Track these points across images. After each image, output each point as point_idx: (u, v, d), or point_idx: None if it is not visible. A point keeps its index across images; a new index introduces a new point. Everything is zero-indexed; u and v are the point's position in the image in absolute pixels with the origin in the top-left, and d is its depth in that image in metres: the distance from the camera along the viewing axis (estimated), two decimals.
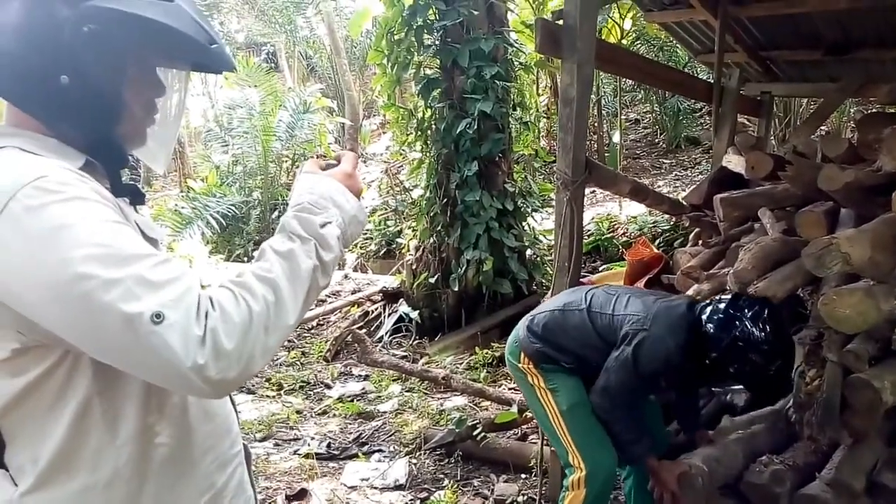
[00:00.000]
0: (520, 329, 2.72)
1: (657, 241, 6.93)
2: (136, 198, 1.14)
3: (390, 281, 6.96)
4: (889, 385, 2.43)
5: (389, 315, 6.34)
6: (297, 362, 5.64)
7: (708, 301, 2.62)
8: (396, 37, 5.95)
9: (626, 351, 2.42)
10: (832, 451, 2.67)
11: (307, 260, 1.06)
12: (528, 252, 6.34)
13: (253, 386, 5.21)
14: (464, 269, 5.79)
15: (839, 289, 2.56)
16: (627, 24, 10.18)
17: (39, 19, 0.98)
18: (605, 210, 9.21)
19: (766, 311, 2.42)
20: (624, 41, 10.60)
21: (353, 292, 7.35)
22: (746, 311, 2.41)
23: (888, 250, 2.49)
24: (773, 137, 8.31)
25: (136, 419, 1.03)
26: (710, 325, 2.43)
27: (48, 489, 1.00)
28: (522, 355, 2.64)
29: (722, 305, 2.48)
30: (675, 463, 2.44)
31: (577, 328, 2.58)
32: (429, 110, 6.09)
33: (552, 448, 3.09)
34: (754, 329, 2.38)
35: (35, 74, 1.00)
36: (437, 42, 5.92)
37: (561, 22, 2.98)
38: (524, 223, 6.37)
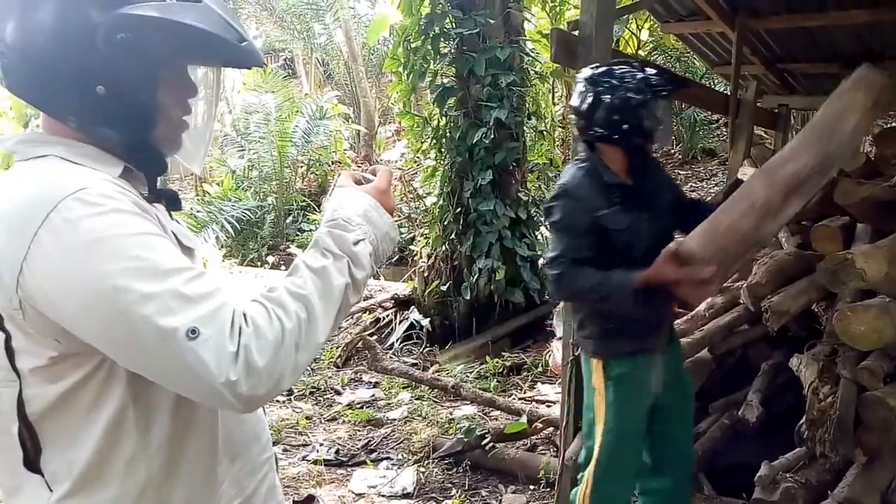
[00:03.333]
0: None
1: None
2: (173, 204, 1.14)
3: (402, 288, 6.96)
4: None
5: (400, 322, 6.34)
6: (308, 368, 5.65)
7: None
8: (413, 45, 5.98)
9: (547, 224, 2.37)
10: (846, 469, 2.64)
11: (340, 278, 1.05)
12: (541, 261, 6.32)
13: None
14: (476, 277, 5.78)
15: (854, 305, 2.54)
16: (644, 35, 10.17)
17: (72, 28, 0.99)
18: None
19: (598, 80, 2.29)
20: (641, 52, 10.59)
21: (365, 298, 7.35)
22: (606, 79, 2.27)
23: None
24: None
25: (167, 427, 1.04)
26: (596, 133, 2.30)
27: (83, 496, 1.00)
28: (589, 357, 2.47)
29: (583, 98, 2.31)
30: (660, 258, 2.09)
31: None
32: (444, 118, 6.10)
33: (560, 459, 3.08)
34: (618, 91, 2.23)
35: (70, 84, 1.00)
36: (453, 50, 5.94)
37: (577, 32, 2.98)
38: (537, 232, 6.36)
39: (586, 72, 2.38)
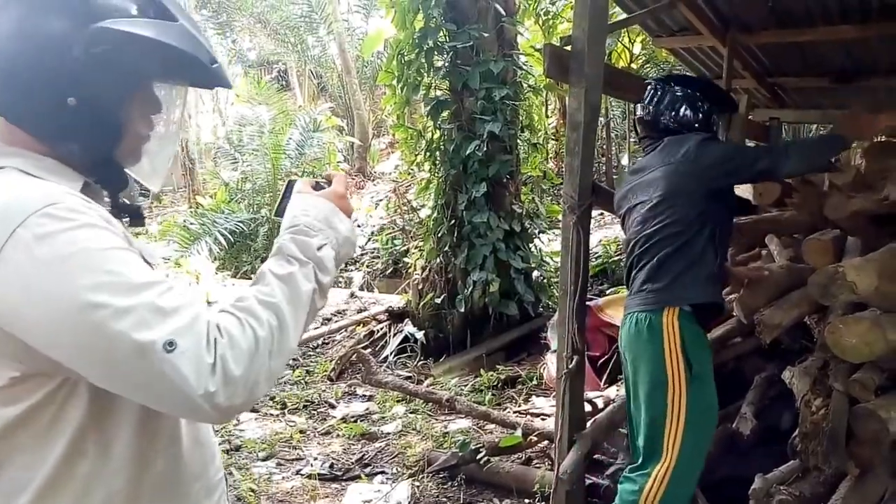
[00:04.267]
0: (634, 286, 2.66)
1: None
2: (136, 219, 1.15)
3: (396, 301, 6.96)
4: None
5: (395, 335, 6.34)
6: (302, 381, 5.63)
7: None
8: (407, 58, 6.01)
9: (709, 160, 2.54)
10: (839, 482, 2.64)
11: (307, 283, 1.06)
12: (535, 274, 6.34)
13: (257, 405, 5.19)
14: (470, 289, 5.79)
15: (846, 317, 2.55)
16: (637, 49, 10.25)
17: (49, 37, 0.98)
18: (613, 233, 9.21)
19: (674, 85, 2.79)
20: (633, 65, 10.67)
21: (359, 311, 7.36)
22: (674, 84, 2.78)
23: (895, 280, 2.48)
24: None
25: (129, 446, 1.02)
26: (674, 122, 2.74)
27: None
28: (663, 310, 2.49)
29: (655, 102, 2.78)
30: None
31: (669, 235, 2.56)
32: (438, 131, 6.13)
33: (555, 472, 3.07)
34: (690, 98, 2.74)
35: (41, 93, 1.00)
36: (447, 64, 5.97)
37: (569, 47, 3.00)
38: (531, 245, 6.38)
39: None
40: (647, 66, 11.75)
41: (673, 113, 2.73)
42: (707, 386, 2.50)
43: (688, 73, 3.11)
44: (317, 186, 1.24)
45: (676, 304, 2.49)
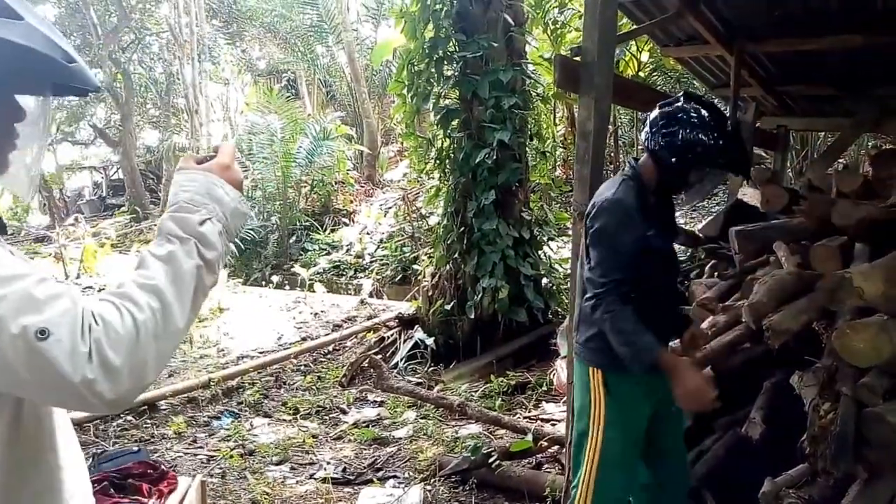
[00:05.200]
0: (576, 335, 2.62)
1: None
2: (0, 229, 1.09)
3: (406, 307, 7.01)
4: None
5: (405, 341, 6.38)
6: (313, 387, 5.69)
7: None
8: (417, 68, 6.09)
9: (589, 236, 2.37)
10: (848, 486, 2.67)
11: (189, 260, 1.03)
12: (545, 281, 6.38)
13: (269, 410, 5.26)
14: (480, 296, 5.83)
15: (853, 322, 2.59)
16: (644, 57, 10.30)
17: None
18: None
19: (701, 111, 2.33)
20: (641, 73, 10.73)
21: (369, 318, 7.41)
22: (681, 114, 2.33)
23: None
24: (790, 170, 8.34)
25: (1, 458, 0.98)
26: (653, 147, 2.36)
27: None
28: (590, 367, 2.48)
29: (653, 123, 2.38)
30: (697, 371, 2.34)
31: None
32: (448, 139, 6.20)
33: (566, 476, 3.11)
34: (698, 133, 2.29)
35: None
36: (456, 73, 6.05)
37: (579, 58, 3.06)
38: (540, 252, 6.43)
39: (692, 101, 2.38)
40: (655, 74, 11.81)
41: (663, 132, 2.33)
42: (624, 404, 2.46)
43: (720, 107, 2.59)
44: (203, 161, 1.18)
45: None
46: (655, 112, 2.40)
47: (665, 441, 2.64)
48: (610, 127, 11.53)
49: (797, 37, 4.10)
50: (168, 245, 1.04)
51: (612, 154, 12.21)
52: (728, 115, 2.41)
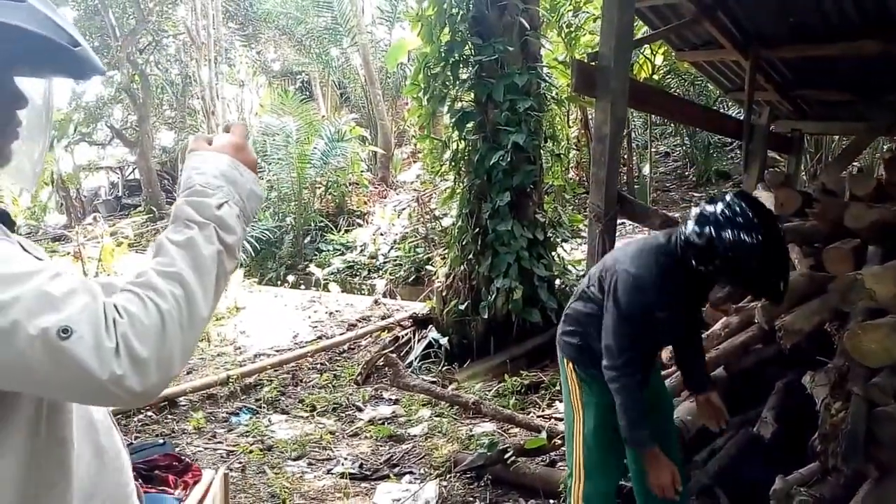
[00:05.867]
0: (560, 325, 2.76)
1: None
2: (8, 224, 1.02)
3: (420, 307, 7.09)
4: None
5: (419, 341, 6.45)
6: (330, 385, 5.77)
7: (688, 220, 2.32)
8: (433, 71, 6.17)
9: (609, 298, 2.36)
10: (859, 485, 2.71)
11: (209, 246, 0.99)
12: (558, 282, 6.44)
13: (287, 406, 5.35)
14: (494, 296, 5.89)
15: (865, 323, 2.63)
16: (658, 60, 10.34)
17: None
18: None
19: (752, 213, 2.15)
20: (655, 76, 10.77)
21: (383, 317, 7.49)
22: (733, 214, 2.15)
23: None
24: (804, 173, 8.35)
25: (19, 458, 0.95)
26: (694, 237, 2.20)
27: None
28: (564, 356, 2.68)
29: (698, 211, 2.24)
30: (671, 464, 2.41)
31: (590, 314, 2.53)
32: (463, 142, 6.27)
33: None
34: (744, 236, 2.11)
35: None
36: (472, 76, 6.12)
37: (595, 63, 3.13)
38: (554, 253, 6.48)
39: (753, 204, 2.21)
40: (669, 76, 11.85)
41: (708, 236, 2.15)
42: (599, 395, 2.53)
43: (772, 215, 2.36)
44: (213, 142, 1.13)
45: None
46: (710, 209, 2.21)
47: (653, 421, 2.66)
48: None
49: (812, 43, 4.15)
50: (186, 231, 0.99)
51: (626, 156, 12.25)
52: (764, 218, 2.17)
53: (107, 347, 0.85)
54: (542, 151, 6.43)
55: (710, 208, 2.22)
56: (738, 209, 2.15)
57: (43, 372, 0.84)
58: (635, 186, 11.76)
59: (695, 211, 2.27)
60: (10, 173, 1.07)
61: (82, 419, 1.05)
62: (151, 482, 2.88)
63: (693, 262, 2.23)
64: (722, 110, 10.17)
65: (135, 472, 2.94)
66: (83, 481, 1.03)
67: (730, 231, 2.13)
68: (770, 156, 7.20)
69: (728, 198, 2.23)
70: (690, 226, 2.23)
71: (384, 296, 9.19)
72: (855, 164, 7.55)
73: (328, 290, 9.14)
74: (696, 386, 2.77)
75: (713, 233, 2.15)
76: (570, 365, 2.66)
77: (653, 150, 13.30)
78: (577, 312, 2.67)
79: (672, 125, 13.69)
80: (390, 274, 10.75)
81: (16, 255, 0.90)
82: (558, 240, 6.62)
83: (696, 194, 12.00)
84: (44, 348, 0.83)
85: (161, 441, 3.49)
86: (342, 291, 9.52)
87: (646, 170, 11.64)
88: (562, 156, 6.97)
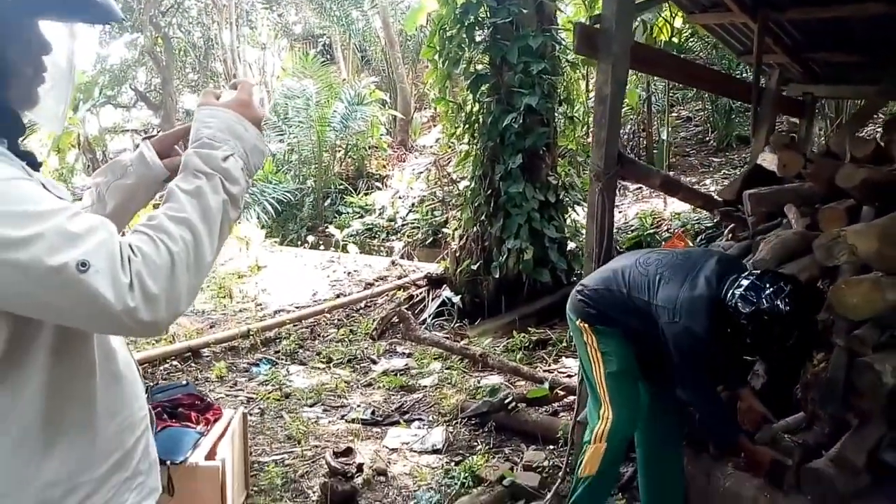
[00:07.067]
0: (573, 297, 2.94)
1: (699, 238, 7.06)
2: (33, 165, 1.09)
3: (435, 268, 7.27)
4: (890, 369, 2.60)
5: (433, 299, 6.65)
6: (346, 339, 6.00)
7: (735, 275, 2.64)
8: (449, 33, 6.24)
9: (671, 350, 2.64)
10: (842, 434, 2.85)
11: (216, 196, 1.07)
12: (571, 244, 6.56)
13: (305, 358, 5.60)
14: (505, 257, 6.04)
15: (849, 279, 2.75)
16: (678, 23, 10.23)
17: None
18: (650, 206, 9.34)
19: (789, 287, 2.48)
20: (675, 39, 10.65)
21: (399, 277, 7.69)
22: (769, 285, 2.48)
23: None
24: (823, 138, 8.30)
25: (42, 382, 1.03)
26: (735, 300, 2.52)
27: None
28: (578, 318, 2.87)
29: (746, 282, 2.55)
30: (767, 450, 2.71)
31: (621, 307, 2.78)
32: (477, 104, 6.36)
33: (580, 421, 3.36)
34: (777, 301, 2.44)
35: None
36: (487, 39, 6.19)
37: (598, 26, 3.22)
38: (566, 215, 6.59)
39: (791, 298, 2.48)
40: (692, 39, 11.69)
41: (739, 293, 2.50)
42: (616, 349, 2.79)
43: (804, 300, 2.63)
44: (221, 97, 1.21)
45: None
46: (756, 294, 2.49)
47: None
48: (643, 93, 11.52)
49: (819, 4, 4.16)
50: (195, 180, 1.07)
51: (645, 121, 12.19)
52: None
53: (122, 282, 0.93)
54: (555, 114, 6.50)
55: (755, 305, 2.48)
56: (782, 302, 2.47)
57: (61, 302, 0.92)
58: (654, 152, 11.72)
59: (745, 299, 2.51)
60: (37, 115, 1.14)
61: (101, 348, 1.13)
62: (175, 418, 3.12)
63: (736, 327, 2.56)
64: (743, 74, 10.07)
65: (159, 409, 3.18)
66: (103, 404, 1.12)
67: (763, 334, 2.52)
68: (792, 121, 7.18)
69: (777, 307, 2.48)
70: (736, 308, 2.52)
71: (401, 257, 9.39)
72: (870, 127, 7.49)
73: (347, 251, 9.35)
74: (730, 384, 2.97)
75: (753, 331, 2.51)
76: (584, 323, 2.83)
77: (674, 115, 13.18)
78: (601, 297, 2.83)
79: (694, 89, 13.51)
80: (408, 236, 10.94)
81: (38, 194, 0.95)
82: (571, 202, 6.72)
83: (715, 159, 11.93)
84: (63, 280, 0.90)
85: (184, 382, 3.73)
86: (360, 252, 9.73)
87: (664, 135, 11.57)
88: (576, 119, 7.01)
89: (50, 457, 1.05)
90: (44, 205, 0.93)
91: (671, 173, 10.17)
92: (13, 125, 1.07)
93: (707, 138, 13.57)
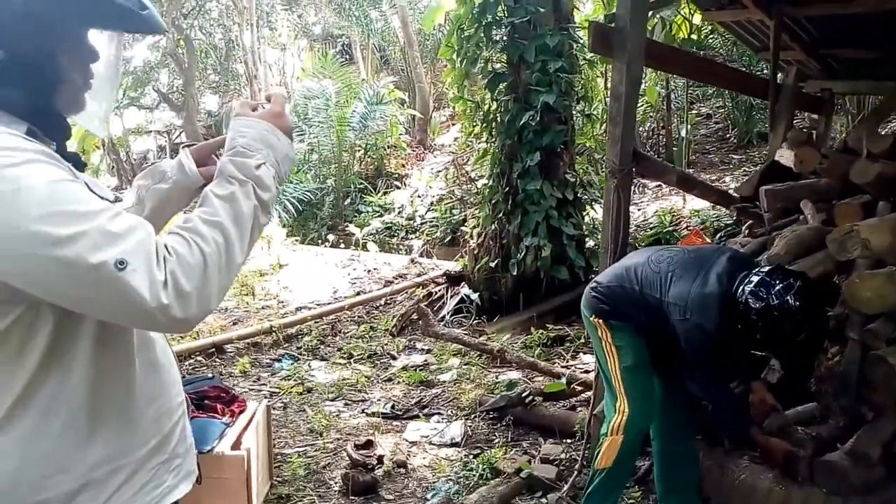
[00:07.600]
0: (587, 293, 2.99)
1: (719, 235, 7.06)
2: (78, 166, 1.15)
3: (453, 265, 7.34)
4: None
5: (452, 297, 6.71)
6: (366, 335, 6.09)
7: (745, 272, 2.64)
8: (466, 33, 6.31)
9: (683, 346, 2.68)
10: (857, 429, 2.87)
11: (248, 201, 1.14)
12: (588, 241, 6.60)
13: (326, 354, 5.70)
14: (523, 254, 6.10)
15: (863, 273, 2.78)
16: (697, 19, 10.19)
17: None
18: (669, 203, 9.32)
19: (798, 283, 2.49)
20: (694, 36, 10.61)
21: (419, 275, 7.77)
22: (779, 281, 2.49)
23: None
24: (845, 134, 8.23)
25: (87, 368, 1.10)
26: (745, 296, 2.53)
27: (8, 430, 1.05)
28: (592, 314, 2.92)
29: (756, 278, 2.55)
30: (781, 442, 2.72)
31: (634, 303, 2.82)
32: (495, 103, 6.42)
33: (596, 414, 3.41)
34: (787, 297, 2.44)
35: None
36: (504, 38, 6.25)
37: (613, 24, 3.26)
38: (584, 213, 6.63)
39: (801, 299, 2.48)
40: (712, 36, 11.63)
41: (749, 290, 2.51)
42: (631, 343, 2.84)
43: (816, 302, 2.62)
44: (256, 108, 1.28)
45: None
46: (766, 290, 2.50)
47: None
48: (662, 91, 11.48)
49: (835, 0, 4.16)
50: (229, 186, 1.14)
51: (664, 119, 12.15)
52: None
53: (157, 280, 0.99)
54: (573, 112, 6.54)
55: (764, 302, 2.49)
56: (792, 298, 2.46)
57: (100, 297, 0.98)
58: (673, 149, 11.68)
59: (755, 295, 2.51)
60: (82, 118, 1.22)
61: (140, 337, 1.21)
62: (202, 409, 3.22)
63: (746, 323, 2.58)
64: (763, 70, 10.02)
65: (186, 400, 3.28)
66: (142, 390, 1.19)
67: (774, 330, 2.51)
68: (812, 118, 7.15)
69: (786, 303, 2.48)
70: (746, 304, 2.52)
71: (420, 256, 9.46)
72: (885, 123, 7.41)
73: (367, 250, 9.44)
74: (742, 378, 3.02)
75: (763, 327, 2.51)
76: (599, 319, 2.88)
77: (694, 112, 13.11)
78: (614, 294, 2.87)
79: (714, 87, 13.44)
80: (427, 235, 11.01)
81: (83, 195, 1.01)
82: (589, 200, 6.75)
83: (735, 156, 11.86)
84: (102, 277, 0.96)
85: (210, 375, 3.84)
86: (380, 251, 9.82)
87: (683, 132, 11.53)
88: (594, 117, 7.05)
89: (94, 440, 1.12)
90: (89, 205, 1.00)
91: (690, 170, 10.15)
92: (61, 129, 1.15)
93: (727, 135, 13.49)
